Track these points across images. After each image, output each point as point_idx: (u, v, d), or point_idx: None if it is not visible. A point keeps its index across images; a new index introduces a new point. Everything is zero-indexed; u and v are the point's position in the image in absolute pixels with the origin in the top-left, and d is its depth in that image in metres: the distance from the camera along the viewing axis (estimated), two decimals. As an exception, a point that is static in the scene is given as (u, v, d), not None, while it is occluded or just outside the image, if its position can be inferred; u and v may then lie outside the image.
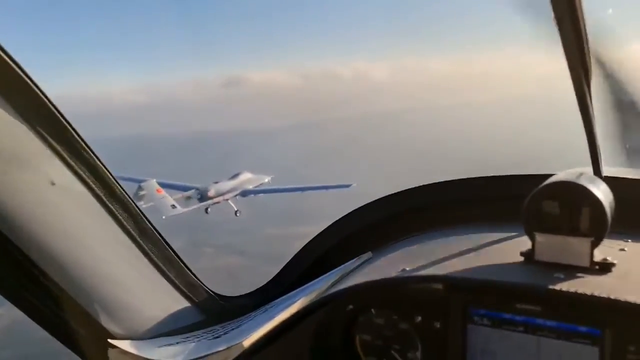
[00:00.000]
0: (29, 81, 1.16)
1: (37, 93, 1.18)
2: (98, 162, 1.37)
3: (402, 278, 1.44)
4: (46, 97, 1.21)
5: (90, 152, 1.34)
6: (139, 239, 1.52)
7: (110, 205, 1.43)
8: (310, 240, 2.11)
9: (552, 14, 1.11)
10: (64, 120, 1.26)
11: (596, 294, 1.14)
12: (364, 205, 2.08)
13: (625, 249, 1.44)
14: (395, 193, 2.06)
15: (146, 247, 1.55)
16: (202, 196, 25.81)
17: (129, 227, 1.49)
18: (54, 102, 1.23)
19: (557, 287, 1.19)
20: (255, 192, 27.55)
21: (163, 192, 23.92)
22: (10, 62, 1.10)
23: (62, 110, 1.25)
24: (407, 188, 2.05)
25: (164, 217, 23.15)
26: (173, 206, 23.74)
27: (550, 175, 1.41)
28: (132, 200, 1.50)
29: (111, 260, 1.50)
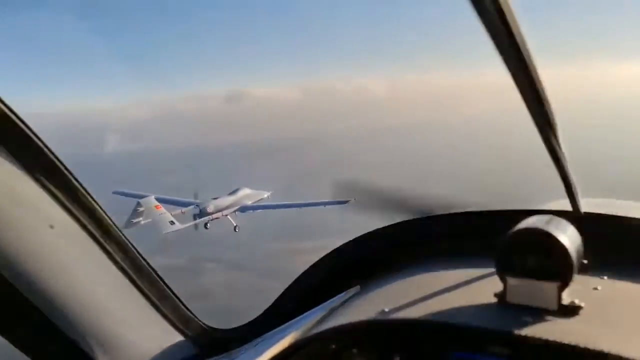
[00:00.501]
0: (29, 132, 1.24)
1: (35, 142, 1.27)
2: (95, 205, 1.44)
3: (380, 321, 1.49)
4: (45, 145, 1.29)
5: (87, 195, 1.41)
6: (133, 276, 1.58)
7: (105, 244, 1.49)
8: (302, 273, 2.18)
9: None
10: (61, 166, 1.33)
11: (558, 339, 1.20)
12: (354, 239, 2.16)
13: (599, 287, 1.49)
14: (383, 227, 2.14)
15: (141, 284, 1.60)
16: (201, 212, 25.76)
17: (124, 265, 1.55)
18: (53, 150, 1.32)
19: (524, 332, 1.25)
20: (254, 208, 27.50)
21: (162, 208, 23.87)
22: (11, 114, 1.18)
23: (56, 152, 1.33)
24: (395, 222, 2.14)
25: (163, 233, 23.14)
26: (172, 222, 23.68)
27: (530, 210, 1.49)
28: (128, 240, 1.57)
29: (105, 296, 1.54)
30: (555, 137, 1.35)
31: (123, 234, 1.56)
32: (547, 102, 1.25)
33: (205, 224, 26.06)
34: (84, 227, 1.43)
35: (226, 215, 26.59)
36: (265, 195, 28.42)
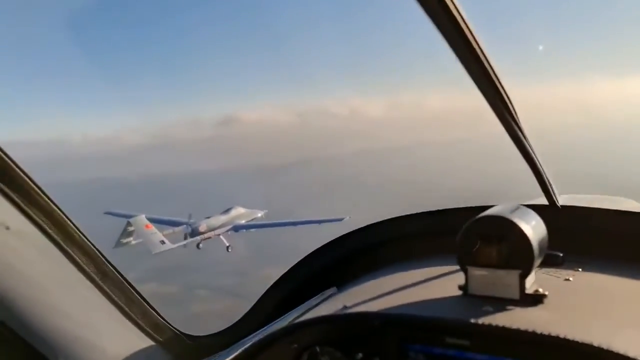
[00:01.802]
0: None
1: None
2: (54, 207, 1.37)
3: (341, 316, 1.46)
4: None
5: (44, 196, 1.34)
6: (99, 282, 1.51)
7: (67, 248, 1.43)
8: (278, 279, 2.13)
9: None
10: (15, 167, 1.27)
11: (520, 327, 1.15)
12: (331, 241, 2.14)
13: (571, 278, 1.46)
14: (359, 229, 2.12)
15: (108, 289, 1.54)
16: (193, 231, 25.26)
17: (88, 269, 1.49)
18: (5, 149, 1.24)
19: (483, 321, 1.20)
20: (247, 227, 27.04)
21: (152, 227, 23.40)
22: None
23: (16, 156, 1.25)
24: (371, 224, 2.11)
25: (153, 252, 22.59)
26: (162, 242, 23.16)
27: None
28: (91, 243, 1.50)
29: (70, 302, 1.47)
30: (524, 137, 1.40)
31: (87, 238, 1.49)
32: (513, 109, 1.32)
33: (198, 244, 25.53)
34: (42, 230, 1.37)
35: (219, 234, 26.06)
36: (259, 215, 28.03)
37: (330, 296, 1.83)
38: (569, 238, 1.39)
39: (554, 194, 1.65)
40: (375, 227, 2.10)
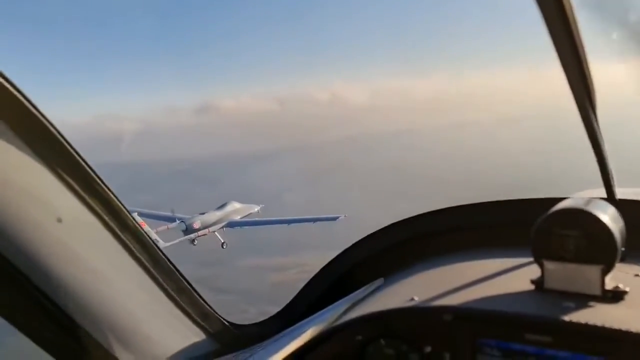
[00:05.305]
0: (40, 116, 1.15)
1: (48, 128, 1.18)
2: (111, 195, 1.36)
3: (411, 308, 1.42)
4: (59, 132, 1.20)
5: (102, 184, 1.33)
6: (152, 270, 1.51)
7: (122, 236, 1.41)
8: (323, 268, 2.11)
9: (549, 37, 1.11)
10: (76, 155, 1.25)
11: (607, 325, 1.13)
12: (375, 231, 2.09)
13: None
14: (405, 219, 2.07)
15: (159, 278, 1.53)
16: (188, 228, 24.59)
17: (142, 258, 1.48)
18: (67, 137, 1.22)
19: (567, 317, 1.18)
20: (242, 224, 26.57)
21: (145, 225, 22.58)
22: (23, 99, 1.10)
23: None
24: (417, 214, 2.05)
25: None
26: (155, 240, 22.41)
27: (562, 198, 1.39)
28: (144, 232, 1.49)
29: (124, 290, 1.47)
30: (597, 121, 1.33)
31: (139, 225, 1.48)
32: (592, 87, 1.24)
33: (193, 241, 24.83)
34: (98, 216, 1.35)
35: (214, 231, 25.40)
36: (256, 209, 27.55)
37: (379, 287, 1.79)
38: (628, 233, 1.35)
39: (614, 187, 1.60)
40: (422, 217, 2.07)
